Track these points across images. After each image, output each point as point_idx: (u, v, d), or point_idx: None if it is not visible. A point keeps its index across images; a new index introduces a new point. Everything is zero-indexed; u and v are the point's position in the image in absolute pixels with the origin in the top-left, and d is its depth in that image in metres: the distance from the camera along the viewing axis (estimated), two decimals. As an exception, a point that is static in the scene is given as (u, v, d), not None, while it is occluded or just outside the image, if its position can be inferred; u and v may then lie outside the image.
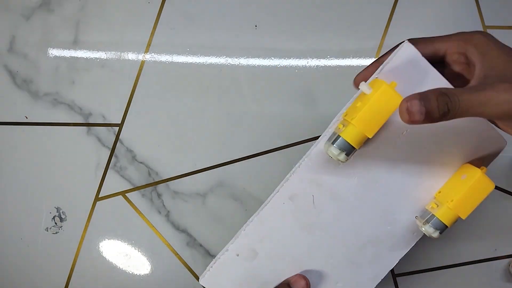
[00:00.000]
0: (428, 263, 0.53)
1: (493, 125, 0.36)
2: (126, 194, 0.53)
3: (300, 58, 0.53)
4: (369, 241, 0.38)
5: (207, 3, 0.54)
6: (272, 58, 0.54)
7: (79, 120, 0.53)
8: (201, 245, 0.53)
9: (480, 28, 0.54)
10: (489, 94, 0.28)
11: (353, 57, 0.54)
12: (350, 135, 0.32)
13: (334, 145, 0.32)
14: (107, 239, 0.53)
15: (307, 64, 0.54)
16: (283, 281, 0.38)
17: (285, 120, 0.53)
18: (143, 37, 0.54)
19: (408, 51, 0.34)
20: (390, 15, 0.54)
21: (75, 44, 0.54)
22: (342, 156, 0.33)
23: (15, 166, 0.53)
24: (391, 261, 0.39)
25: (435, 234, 0.35)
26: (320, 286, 0.39)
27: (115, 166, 0.54)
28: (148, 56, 0.54)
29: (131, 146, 0.54)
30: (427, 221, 0.35)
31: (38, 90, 0.53)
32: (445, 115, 0.28)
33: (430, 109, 0.28)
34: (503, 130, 0.31)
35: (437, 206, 0.35)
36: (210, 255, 0.53)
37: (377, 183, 0.37)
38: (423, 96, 0.28)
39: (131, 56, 0.54)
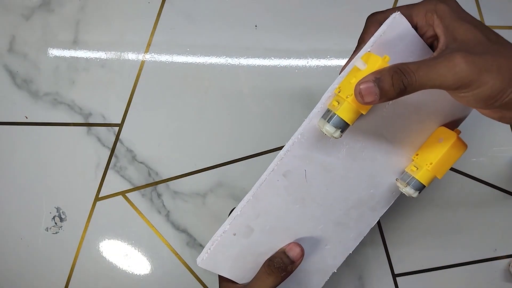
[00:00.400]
0: (428, 263, 0.53)
1: None
2: (126, 194, 0.53)
3: (300, 58, 0.53)
4: (354, 205, 0.41)
5: (207, 3, 0.54)
6: (272, 58, 0.54)
7: (79, 120, 0.53)
8: (201, 245, 0.53)
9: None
10: (445, 64, 0.28)
11: (353, 57, 0.54)
12: (346, 113, 0.32)
13: (330, 123, 0.33)
14: (107, 239, 0.53)
15: (307, 64, 0.54)
16: (279, 249, 0.39)
17: (285, 120, 0.53)
18: (143, 37, 0.54)
19: (400, 24, 0.34)
20: (390, 15, 0.54)
21: (75, 44, 0.54)
22: (337, 133, 0.33)
23: (15, 166, 0.53)
24: (373, 220, 0.42)
25: (415, 195, 0.37)
26: (311, 250, 0.41)
27: (115, 166, 0.54)
28: (148, 56, 0.54)
29: (131, 146, 0.54)
30: (408, 183, 0.38)
31: (38, 90, 0.53)
32: (402, 92, 0.29)
33: (385, 88, 0.29)
34: (460, 102, 0.31)
35: (417, 169, 0.37)
36: (210, 255, 0.53)
37: (363, 152, 0.39)
38: (377, 77, 0.29)
39: (131, 56, 0.54)
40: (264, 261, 0.39)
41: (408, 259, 0.53)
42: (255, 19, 0.54)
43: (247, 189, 0.53)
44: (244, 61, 0.53)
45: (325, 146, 0.38)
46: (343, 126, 0.33)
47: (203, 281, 0.53)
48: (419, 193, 0.37)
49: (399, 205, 0.53)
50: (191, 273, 0.53)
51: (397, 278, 0.53)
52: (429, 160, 0.37)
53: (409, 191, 0.38)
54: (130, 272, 0.53)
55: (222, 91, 0.53)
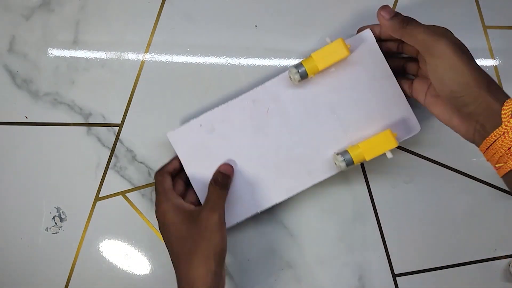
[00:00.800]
0: (428, 263, 0.53)
1: (413, 114, 0.49)
2: (126, 194, 0.53)
3: (300, 58, 0.53)
4: (296, 159, 0.49)
5: (207, 3, 0.54)
6: (272, 58, 0.54)
7: (79, 120, 0.53)
8: (201, 245, 0.53)
9: (480, 29, 0.54)
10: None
11: (353, 57, 0.54)
12: (308, 64, 0.46)
13: (297, 68, 0.46)
14: (107, 239, 0.53)
15: (307, 64, 0.53)
16: (216, 169, 0.48)
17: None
18: (143, 37, 0.54)
19: (369, 38, 0.49)
20: (390, 15, 0.54)
21: (75, 44, 0.54)
22: (297, 76, 0.46)
23: (15, 166, 0.53)
24: (305, 183, 0.49)
25: (343, 165, 0.46)
26: (247, 181, 0.49)
27: (115, 166, 0.54)
28: (148, 56, 0.54)
29: (131, 146, 0.54)
30: (342, 155, 0.47)
31: (38, 90, 0.53)
32: (403, 28, 0.43)
33: (395, 17, 0.44)
34: (432, 78, 0.41)
35: (352, 148, 0.47)
36: (210, 255, 0.53)
37: (317, 117, 0.49)
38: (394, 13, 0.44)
39: (131, 56, 0.54)
40: (210, 164, 0.49)
41: (408, 259, 0.53)
42: (255, 19, 0.54)
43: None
44: (244, 61, 0.53)
45: (291, 95, 0.49)
46: (304, 75, 0.46)
47: (203, 281, 0.53)
48: (346, 165, 0.46)
49: (399, 205, 0.53)
50: (191, 273, 0.53)
51: (397, 278, 0.53)
52: (364, 144, 0.47)
53: (341, 163, 0.47)
54: (130, 272, 0.53)
55: (222, 91, 0.53)
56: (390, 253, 0.53)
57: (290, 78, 0.47)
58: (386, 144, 0.46)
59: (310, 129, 0.49)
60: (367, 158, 0.46)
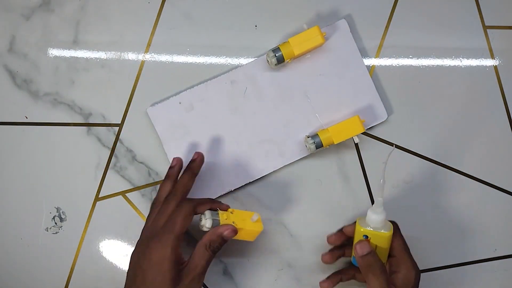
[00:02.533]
0: (428, 263, 0.53)
1: (381, 102, 0.52)
2: (126, 194, 0.53)
3: (300, 58, 0.53)
4: (269, 139, 0.52)
5: (207, 3, 0.54)
6: (272, 58, 0.54)
7: (79, 120, 0.53)
8: (201, 245, 0.53)
9: (480, 29, 0.54)
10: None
11: (353, 57, 0.54)
12: (285, 49, 0.48)
13: (274, 52, 0.49)
14: (107, 239, 0.53)
15: (307, 64, 0.53)
16: (216, 230, 0.44)
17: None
18: (143, 37, 0.54)
19: (344, 28, 0.52)
20: (390, 15, 0.54)
21: (75, 44, 0.54)
22: (274, 59, 0.49)
23: (15, 166, 0.53)
24: (276, 164, 0.52)
25: (312, 147, 0.49)
26: (223, 158, 0.52)
27: (115, 166, 0.54)
28: (148, 56, 0.54)
29: (131, 146, 0.54)
30: (312, 138, 0.49)
31: (38, 90, 0.53)
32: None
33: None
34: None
35: (322, 132, 0.49)
36: (210, 255, 0.53)
37: (291, 101, 0.52)
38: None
39: (131, 56, 0.54)
40: (188, 142, 0.51)
41: (408, 259, 0.53)
42: (255, 19, 0.54)
43: (248, 189, 0.53)
44: (244, 61, 0.53)
45: (268, 78, 0.52)
46: (280, 59, 0.49)
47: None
48: (316, 147, 0.49)
49: (399, 204, 0.53)
50: (191, 273, 0.53)
51: (397, 278, 0.53)
52: (333, 129, 0.49)
53: (311, 146, 0.49)
54: (130, 272, 0.53)
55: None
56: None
57: (268, 61, 0.50)
58: (354, 129, 0.49)
59: (284, 112, 0.52)
60: (335, 142, 0.49)
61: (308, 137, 0.50)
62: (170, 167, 0.49)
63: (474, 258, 0.54)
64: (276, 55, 0.48)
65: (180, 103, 0.51)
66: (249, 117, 0.52)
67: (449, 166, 0.54)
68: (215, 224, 0.44)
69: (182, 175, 0.47)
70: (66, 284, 0.53)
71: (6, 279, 0.53)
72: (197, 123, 0.51)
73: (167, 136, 0.51)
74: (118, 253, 0.53)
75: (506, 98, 0.54)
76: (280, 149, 0.52)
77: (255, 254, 0.53)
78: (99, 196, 0.53)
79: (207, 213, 0.44)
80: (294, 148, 0.52)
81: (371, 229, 0.44)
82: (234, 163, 0.51)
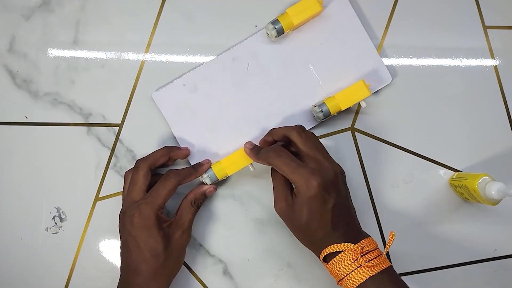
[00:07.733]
0: (428, 263, 0.53)
1: (384, 65, 0.52)
2: (126, 194, 0.53)
3: (300, 58, 0.53)
4: (277, 113, 0.52)
5: (207, 3, 0.54)
6: (272, 58, 0.54)
7: (79, 120, 0.53)
8: (201, 245, 0.53)
9: (480, 29, 0.54)
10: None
11: (353, 57, 0.54)
12: (284, 20, 0.49)
13: (273, 24, 0.49)
14: (107, 239, 0.53)
15: (307, 64, 0.53)
16: (198, 189, 0.49)
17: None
18: (143, 37, 0.54)
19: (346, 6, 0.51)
20: (390, 15, 0.54)
21: (75, 44, 0.54)
22: (274, 32, 0.49)
23: (15, 166, 0.53)
24: None
25: (320, 115, 0.49)
26: (228, 136, 0.52)
27: (115, 166, 0.54)
28: (148, 56, 0.54)
29: (131, 146, 0.54)
30: (319, 107, 0.49)
31: (38, 90, 0.53)
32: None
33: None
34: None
35: (329, 99, 0.49)
36: (210, 255, 0.53)
37: (295, 72, 0.52)
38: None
39: (131, 56, 0.54)
40: (195, 123, 0.52)
41: (408, 259, 0.53)
42: (255, 19, 0.54)
43: (248, 189, 0.53)
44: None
45: (269, 52, 0.52)
46: (280, 30, 0.49)
47: (203, 281, 0.53)
48: (324, 116, 0.49)
49: (399, 204, 0.53)
50: (191, 273, 0.53)
51: (397, 278, 0.53)
52: (339, 95, 0.49)
53: (318, 114, 0.49)
54: (130, 272, 0.53)
55: (222, 91, 0.53)
56: (390, 253, 0.53)
57: (267, 34, 0.50)
58: (360, 94, 0.49)
59: (289, 84, 0.52)
60: (343, 108, 0.49)
61: (315, 107, 0.50)
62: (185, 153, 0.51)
63: (474, 258, 0.53)
64: (276, 27, 0.49)
65: (184, 85, 0.51)
66: (254, 92, 0.52)
67: (449, 166, 0.54)
68: (212, 176, 0.49)
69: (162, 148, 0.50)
70: (66, 284, 0.53)
71: (6, 279, 0.53)
72: (202, 103, 0.52)
73: (174, 119, 0.52)
74: (118, 253, 0.53)
75: (506, 98, 0.54)
76: (288, 121, 0.51)
77: (255, 254, 0.53)
78: (99, 196, 0.53)
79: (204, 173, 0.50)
80: (303, 119, 0.52)
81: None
82: (244, 140, 0.51)
